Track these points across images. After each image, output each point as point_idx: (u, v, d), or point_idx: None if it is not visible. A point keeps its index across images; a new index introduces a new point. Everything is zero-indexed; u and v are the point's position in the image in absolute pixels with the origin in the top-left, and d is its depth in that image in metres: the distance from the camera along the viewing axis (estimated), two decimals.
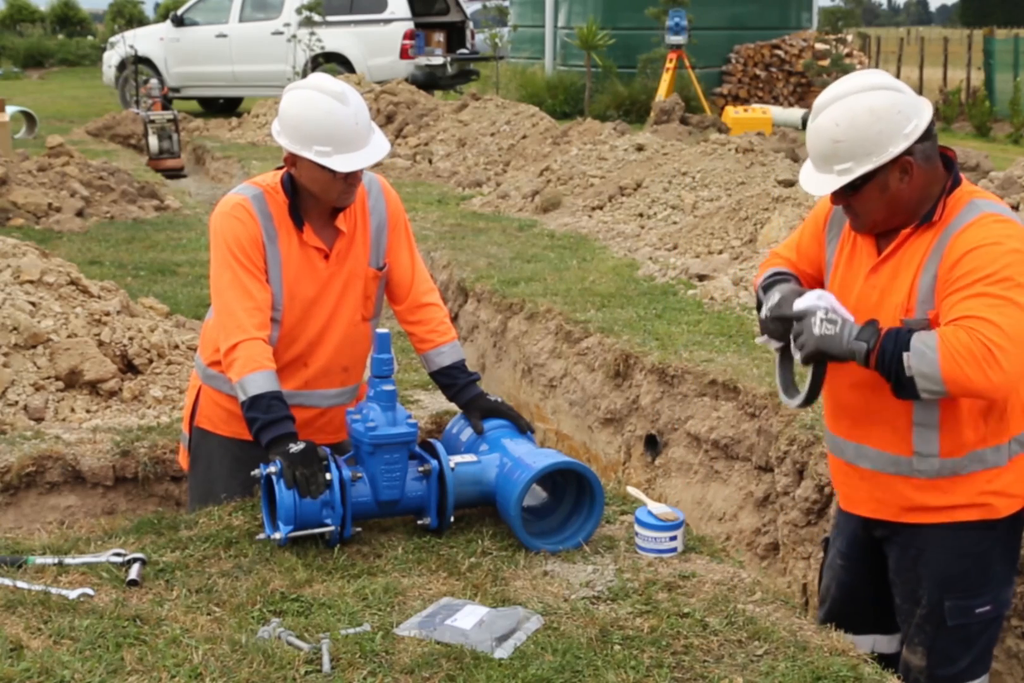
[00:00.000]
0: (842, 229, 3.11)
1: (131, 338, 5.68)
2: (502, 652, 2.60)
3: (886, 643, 3.29)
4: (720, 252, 8.09)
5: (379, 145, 3.29)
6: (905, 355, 2.75)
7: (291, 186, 3.35)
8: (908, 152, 2.82)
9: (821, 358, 2.90)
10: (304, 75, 17.86)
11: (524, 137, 13.54)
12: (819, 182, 2.89)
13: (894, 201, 2.88)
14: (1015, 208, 6.63)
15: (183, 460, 3.75)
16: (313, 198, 3.33)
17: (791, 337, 2.94)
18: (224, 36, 20.14)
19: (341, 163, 3.19)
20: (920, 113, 2.84)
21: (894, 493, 3.05)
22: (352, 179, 3.27)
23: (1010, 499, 3.01)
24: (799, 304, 2.92)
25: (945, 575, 3.03)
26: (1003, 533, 3.05)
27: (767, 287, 3.11)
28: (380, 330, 3.25)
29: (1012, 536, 3.09)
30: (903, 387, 2.79)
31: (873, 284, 2.98)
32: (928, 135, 2.85)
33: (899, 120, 2.80)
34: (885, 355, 2.78)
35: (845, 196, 2.90)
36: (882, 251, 2.98)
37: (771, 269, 3.23)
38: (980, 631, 3.07)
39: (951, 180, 2.91)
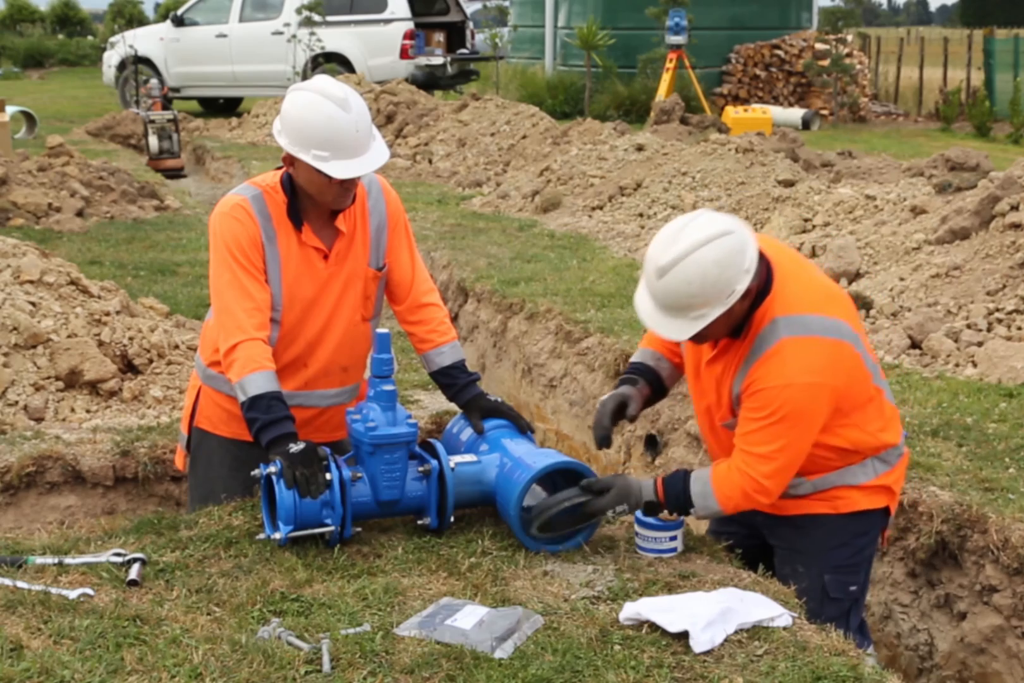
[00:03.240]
0: None
1: (131, 338, 5.68)
2: (502, 652, 2.60)
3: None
4: None
5: (378, 153, 3.25)
6: (693, 511, 3.13)
7: (290, 186, 3.34)
8: None
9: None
10: (304, 75, 17.90)
11: (524, 137, 13.54)
12: (675, 328, 3.03)
13: (734, 318, 3.05)
14: (1015, 208, 6.62)
15: (179, 461, 3.75)
16: (311, 198, 3.33)
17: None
18: (224, 36, 20.14)
19: (338, 169, 3.17)
20: (747, 243, 2.97)
21: (778, 508, 3.24)
22: (348, 184, 3.25)
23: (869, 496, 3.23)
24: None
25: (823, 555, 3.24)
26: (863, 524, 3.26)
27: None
28: (380, 330, 3.25)
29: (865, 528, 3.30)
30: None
31: (710, 373, 3.22)
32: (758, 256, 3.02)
33: (739, 260, 2.94)
34: (677, 503, 3.13)
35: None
36: (707, 351, 3.20)
37: (635, 357, 3.57)
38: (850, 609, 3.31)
39: (763, 285, 3.05)
